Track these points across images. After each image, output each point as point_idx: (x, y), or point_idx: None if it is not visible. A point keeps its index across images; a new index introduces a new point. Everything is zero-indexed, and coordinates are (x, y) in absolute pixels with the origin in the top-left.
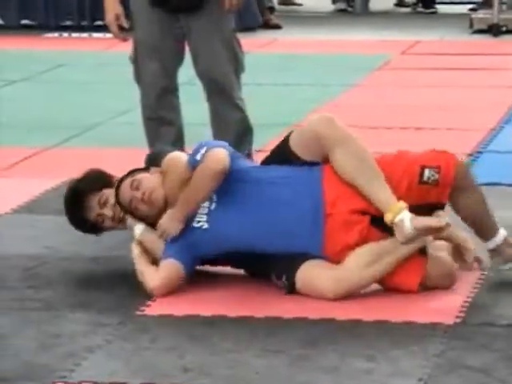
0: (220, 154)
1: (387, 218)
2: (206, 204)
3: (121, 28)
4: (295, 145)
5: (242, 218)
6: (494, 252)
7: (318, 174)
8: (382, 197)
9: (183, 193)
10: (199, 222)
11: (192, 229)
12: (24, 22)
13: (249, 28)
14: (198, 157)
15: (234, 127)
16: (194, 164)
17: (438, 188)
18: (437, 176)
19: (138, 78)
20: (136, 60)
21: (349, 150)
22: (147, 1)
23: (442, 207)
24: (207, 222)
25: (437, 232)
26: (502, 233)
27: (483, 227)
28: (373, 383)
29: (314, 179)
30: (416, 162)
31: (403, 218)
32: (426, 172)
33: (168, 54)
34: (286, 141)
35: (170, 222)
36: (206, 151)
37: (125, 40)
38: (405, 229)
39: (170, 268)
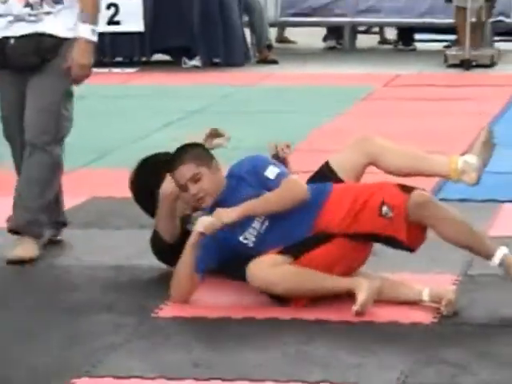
0: (299, 181)
1: (453, 177)
2: (257, 226)
3: None
4: (335, 164)
5: (275, 238)
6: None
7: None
8: (435, 169)
9: (260, 198)
10: (246, 238)
11: (237, 241)
12: None
13: (242, 61)
14: (271, 175)
15: (40, 172)
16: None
17: (393, 224)
18: (391, 214)
19: (6, 134)
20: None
21: (392, 153)
22: None
23: (407, 248)
24: (254, 242)
25: None
26: (498, 254)
27: (477, 252)
28: (361, 376)
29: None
30: (380, 195)
31: (463, 164)
32: (384, 208)
33: (20, 113)
34: (326, 162)
35: (228, 212)
36: (282, 175)
37: None
38: (471, 167)
39: (194, 284)
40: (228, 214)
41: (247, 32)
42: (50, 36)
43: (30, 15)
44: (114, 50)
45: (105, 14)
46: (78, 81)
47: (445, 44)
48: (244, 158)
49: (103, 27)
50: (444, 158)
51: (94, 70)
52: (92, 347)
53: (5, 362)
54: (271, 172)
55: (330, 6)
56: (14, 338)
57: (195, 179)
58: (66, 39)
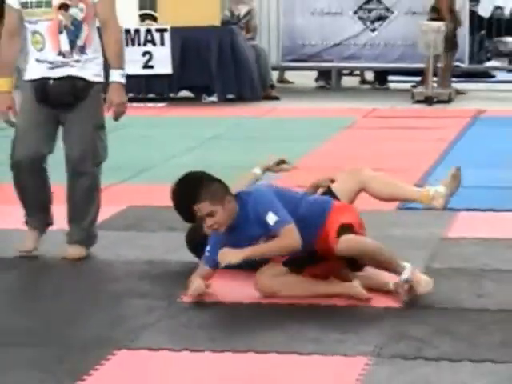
0: (295, 234)
1: (425, 201)
2: None
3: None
4: (335, 188)
5: None
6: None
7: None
8: (410, 195)
9: (261, 245)
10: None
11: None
12: None
13: (251, 97)
14: (270, 221)
15: (87, 195)
16: (259, 218)
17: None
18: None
19: (16, 159)
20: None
21: (377, 182)
22: (35, 98)
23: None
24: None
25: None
26: (405, 273)
27: (392, 272)
28: (344, 349)
29: (327, 202)
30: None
31: (434, 192)
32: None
33: (43, 139)
34: (329, 187)
35: (234, 253)
36: (280, 223)
37: (13, 126)
38: (440, 195)
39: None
40: (235, 255)
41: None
42: (81, 79)
43: (62, 62)
44: (148, 89)
45: (141, 60)
46: (117, 116)
47: (412, 84)
48: (253, 191)
49: (139, 70)
50: (418, 188)
51: (133, 104)
52: (129, 326)
53: (59, 338)
54: (271, 219)
55: (321, 54)
56: (66, 318)
57: (210, 215)
58: (93, 83)
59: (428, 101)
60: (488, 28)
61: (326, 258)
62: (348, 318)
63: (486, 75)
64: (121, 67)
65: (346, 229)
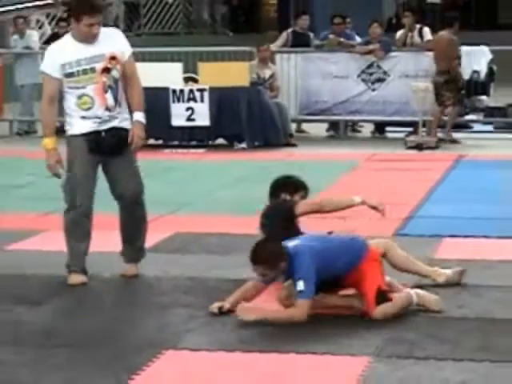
0: (306, 309)
1: (431, 275)
2: None
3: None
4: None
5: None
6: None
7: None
8: (421, 270)
9: (275, 311)
10: None
11: None
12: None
13: (275, 144)
14: (298, 287)
15: (140, 221)
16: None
17: None
18: None
19: (71, 203)
20: (69, 189)
21: (399, 254)
22: (87, 149)
23: None
24: None
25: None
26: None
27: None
28: (352, 349)
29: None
30: (372, 294)
31: (442, 271)
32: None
33: (94, 184)
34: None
35: (252, 311)
36: (302, 295)
37: (59, 177)
38: (445, 274)
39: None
40: (250, 314)
41: None
42: (123, 129)
43: (109, 116)
44: (190, 137)
45: (185, 114)
46: (136, 147)
47: (405, 133)
48: (298, 252)
49: (183, 123)
50: (428, 266)
51: (178, 150)
52: (175, 331)
53: (117, 340)
54: (299, 286)
55: (331, 109)
56: (123, 324)
57: (262, 275)
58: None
59: (418, 147)
60: (467, 88)
61: (345, 289)
62: (354, 325)
63: (465, 127)
64: (142, 110)
65: (383, 297)
